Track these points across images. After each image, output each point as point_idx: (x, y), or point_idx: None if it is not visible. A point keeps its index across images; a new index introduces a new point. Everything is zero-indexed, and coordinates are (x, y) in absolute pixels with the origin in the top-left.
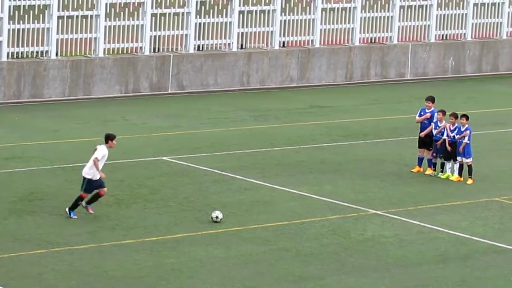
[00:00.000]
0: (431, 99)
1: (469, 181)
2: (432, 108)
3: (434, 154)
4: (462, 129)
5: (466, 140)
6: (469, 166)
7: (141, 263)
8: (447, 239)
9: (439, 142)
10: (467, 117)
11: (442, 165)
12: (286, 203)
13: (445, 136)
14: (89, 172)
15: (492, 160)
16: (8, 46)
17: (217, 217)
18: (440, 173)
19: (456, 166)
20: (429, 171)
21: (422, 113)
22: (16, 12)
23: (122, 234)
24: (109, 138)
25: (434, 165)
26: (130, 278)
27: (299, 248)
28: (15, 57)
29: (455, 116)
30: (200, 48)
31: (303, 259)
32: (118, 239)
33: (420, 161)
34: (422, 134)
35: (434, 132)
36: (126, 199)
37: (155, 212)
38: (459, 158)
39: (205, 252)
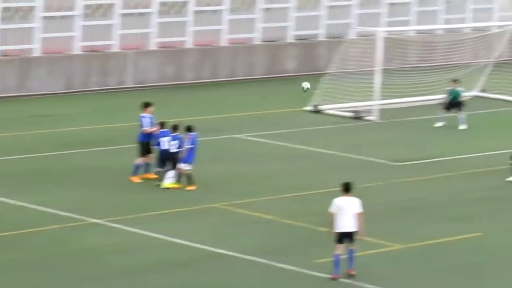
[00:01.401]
0: (146, 105)
1: (189, 188)
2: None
3: (154, 163)
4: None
5: (188, 145)
6: (188, 173)
7: None
8: (168, 246)
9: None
10: (188, 128)
11: (159, 173)
12: (7, 214)
13: (163, 147)
14: None
15: (211, 166)
16: None
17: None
18: (158, 182)
19: (172, 173)
20: (148, 177)
21: (147, 123)
22: None
23: None
24: None
25: (156, 172)
26: None
27: (19, 258)
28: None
29: (175, 127)
30: None
31: (26, 269)
32: None
33: (138, 169)
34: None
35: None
36: None
37: None
38: (179, 165)
39: None
